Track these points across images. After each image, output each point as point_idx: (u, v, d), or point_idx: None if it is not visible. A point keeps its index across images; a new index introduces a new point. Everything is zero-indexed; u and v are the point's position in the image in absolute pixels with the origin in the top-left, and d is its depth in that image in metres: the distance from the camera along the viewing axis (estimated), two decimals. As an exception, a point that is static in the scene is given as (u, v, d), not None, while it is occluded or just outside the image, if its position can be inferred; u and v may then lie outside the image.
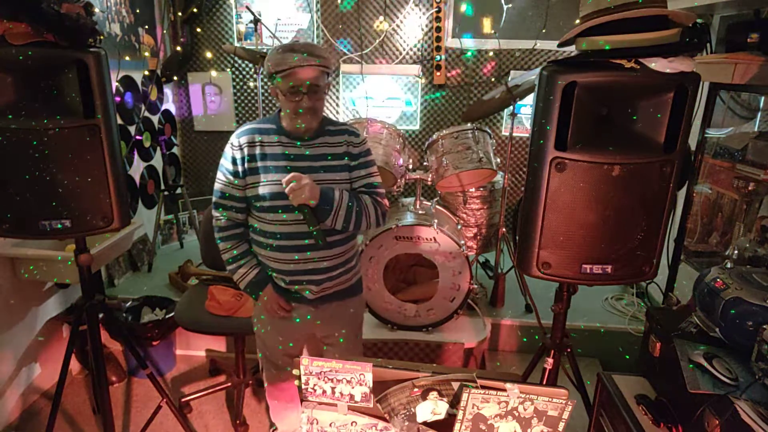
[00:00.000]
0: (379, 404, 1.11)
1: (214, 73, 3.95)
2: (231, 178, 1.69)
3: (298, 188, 1.55)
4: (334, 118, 1.81)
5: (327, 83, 1.67)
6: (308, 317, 1.81)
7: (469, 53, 3.79)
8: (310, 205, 1.58)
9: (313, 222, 1.59)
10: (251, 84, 3.98)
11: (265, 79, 1.68)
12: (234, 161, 1.68)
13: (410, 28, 3.78)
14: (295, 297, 1.78)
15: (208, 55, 3.92)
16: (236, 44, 3.85)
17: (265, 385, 1.99)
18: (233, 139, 1.69)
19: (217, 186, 1.74)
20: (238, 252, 1.76)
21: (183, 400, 2.54)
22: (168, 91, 3.92)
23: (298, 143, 1.68)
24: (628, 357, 2.76)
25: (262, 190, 1.66)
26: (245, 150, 1.67)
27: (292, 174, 1.57)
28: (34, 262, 2.35)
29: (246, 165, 1.67)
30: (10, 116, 1.51)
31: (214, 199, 1.76)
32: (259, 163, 1.67)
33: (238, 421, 2.44)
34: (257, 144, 1.67)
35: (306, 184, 1.56)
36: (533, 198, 1.46)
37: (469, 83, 3.87)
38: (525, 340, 2.92)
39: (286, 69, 1.57)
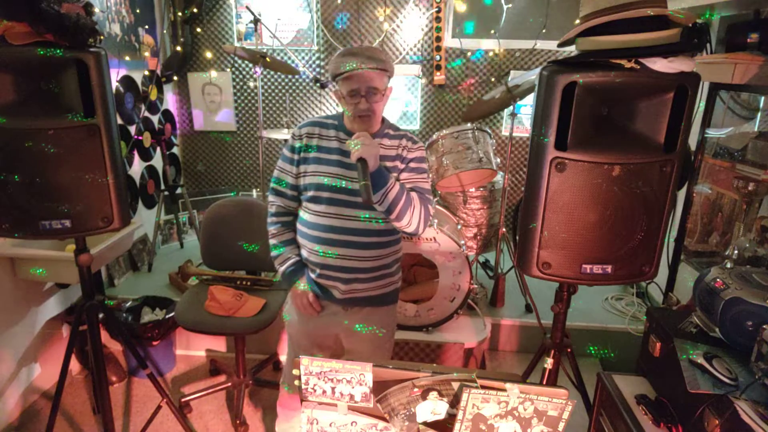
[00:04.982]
0: (379, 404, 1.11)
1: (214, 73, 3.95)
2: (287, 165, 1.77)
3: (361, 142, 1.57)
4: (396, 124, 1.82)
5: (387, 87, 1.69)
6: (335, 318, 1.80)
7: (477, 54, 3.80)
8: (368, 163, 1.57)
9: (364, 177, 1.56)
10: (251, 84, 3.98)
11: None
12: (292, 149, 1.76)
13: (410, 28, 3.78)
14: (325, 294, 1.77)
15: (208, 55, 3.92)
16: (236, 44, 3.85)
17: (281, 387, 1.96)
18: (295, 130, 1.78)
19: (274, 173, 1.81)
20: (282, 240, 1.81)
21: (183, 400, 2.54)
22: (168, 91, 3.92)
23: None
24: (624, 358, 2.77)
25: (310, 179, 1.71)
26: (304, 140, 1.74)
27: (360, 132, 1.62)
28: (34, 262, 2.35)
29: (301, 154, 1.74)
30: (10, 116, 1.51)
31: (270, 185, 1.83)
32: (313, 154, 1.73)
33: (238, 421, 2.44)
34: (315, 136, 1.74)
35: (370, 141, 1.60)
36: (533, 198, 1.46)
37: (469, 83, 3.88)
38: (522, 341, 2.92)
39: (344, 73, 1.61)
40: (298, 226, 1.79)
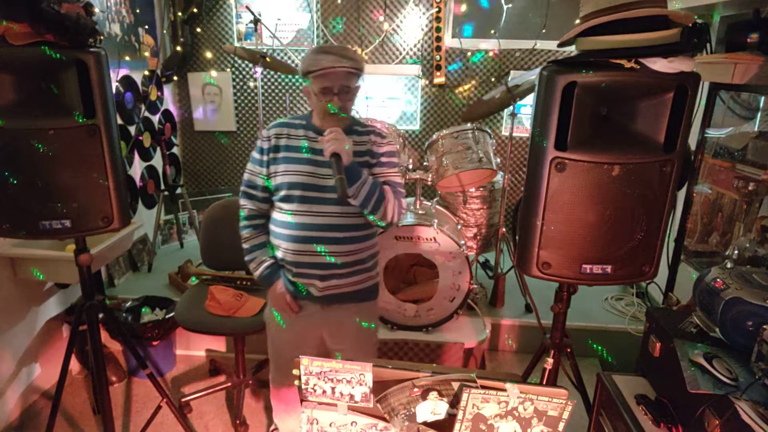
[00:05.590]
0: (379, 404, 1.11)
1: (214, 73, 3.95)
2: (257, 167, 1.77)
3: (334, 138, 1.58)
4: (362, 120, 1.83)
5: (358, 85, 1.71)
6: (315, 318, 1.81)
7: (476, 56, 3.80)
8: (341, 158, 1.59)
9: (338, 172, 1.57)
10: (251, 84, 3.98)
11: (300, 79, 1.74)
12: (261, 151, 1.76)
13: (410, 28, 3.78)
14: (303, 294, 1.77)
15: (208, 55, 3.92)
16: (236, 44, 3.85)
17: (271, 384, 1.99)
18: (264, 132, 1.77)
19: (245, 176, 1.81)
20: (256, 243, 1.80)
21: (183, 400, 2.54)
22: (168, 91, 3.92)
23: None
24: (624, 358, 2.77)
25: (282, 179, 1.71)
26: (272, 141, 1.74)
27: (332, 128, 1.62)
28: (34, 262, 2.35)
29: (270, 155, 1.74)
30: (10, 116, 1.51)
31: (241, 188, 1.82)
32: (282, 154, 1.73)
33: (238, 421, 2.44)
34: (284, 136, 1.74)
35: (343, 137, 1.60)
36: (533, 198, 1.46)
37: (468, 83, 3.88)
38: (522, 341, 2.92)
39: (318, 70, 1.61)
40: (272, 227, 1.78)
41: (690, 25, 1.32)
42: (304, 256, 1.72)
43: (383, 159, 1.76)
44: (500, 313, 2.97)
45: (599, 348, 2.83)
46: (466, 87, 3.87)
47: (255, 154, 1.77)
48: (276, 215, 1.76)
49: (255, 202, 1.80)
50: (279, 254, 1.77)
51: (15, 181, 1.55)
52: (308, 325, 1.84)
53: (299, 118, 1.79)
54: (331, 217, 1.69)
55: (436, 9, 3.68)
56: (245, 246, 1.82)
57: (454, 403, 1.08)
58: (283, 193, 1.71)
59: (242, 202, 1.82)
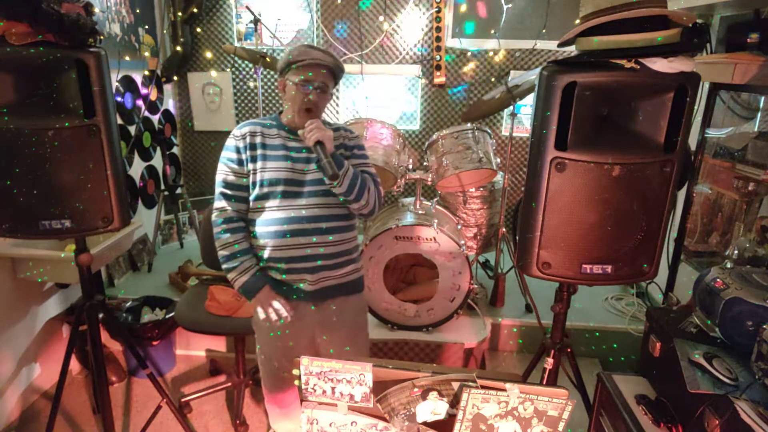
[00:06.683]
0: (379, 404, 1.11)
1: (214, 73, 3.95)
2: (234, 166, 1.75)
3: (316, 127, 1.64)
4: (331, 120, 1.86)
5: (331, 92, 1.78)
6: (306, 318, 1.80)
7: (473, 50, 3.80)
8: (325, 144, 1.64)
9: (324, 155, 1.63)
10: (251, 84, 3.98)
11: (277, 73, 1.78)
12: (237, 150, 1.75)
13: (410, 28, 3.78)
14: (293, 293, 1.76)
15: (208, 55, 3.92)
16: (236, 44, 3.85)
17: (264, 390, 1.97)
18: (235, 132, 1.77)
19: (219, 178, 1.79)
20: (239, 249, 1.74)
21: (183, 400, 2.54)
22: (168, 91, 3.92)
23: (297, 135, 1.75)
24: (624, 358, 2.77)
25: (262, 176, 1.71)
26: (247, 139, 1.74)
27: (311, 120, 1.67)
28: (34, 262, 2.35)
29: (248, 153, 1.74)
30: (10, 116, 1.51)
31: (216, 191, 1.79)
32: (260, 152, 1.73)
33: (238, 421, 2.44)
34: (258, 134, 1.75)
35: (323, 127, 1.67)
36: (533, 198, 1.46)
37: (468, 83, 3.88)
38: (522, 341, 2.92)
39: (306, 60, 1.67)
40: (256, 228, 1.75)
41: (690, 25, 1.32)
42: (293, 251, 1.72)
43: (356, 151, 1.82)
44: (500, 313, 2.97)
45: (599, 348, 2.83)
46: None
47: (230, 154, 1.74)
48: (259, 215, 1.74)
49: (234, 203, 1.76)
50: (266, 254, 1.74)
51: (15, 181, 1.55)
52: (300, 327, 1.81)
53: (268, 118, 1.81)
54: (314, 209, 1.71)
55: (436, 9, 3.68)
56: (225, 252, 1.73)
57: (454, 403, 1.08)
58: (265, 190, 1.71)
59: (220, 204, 1.77)
